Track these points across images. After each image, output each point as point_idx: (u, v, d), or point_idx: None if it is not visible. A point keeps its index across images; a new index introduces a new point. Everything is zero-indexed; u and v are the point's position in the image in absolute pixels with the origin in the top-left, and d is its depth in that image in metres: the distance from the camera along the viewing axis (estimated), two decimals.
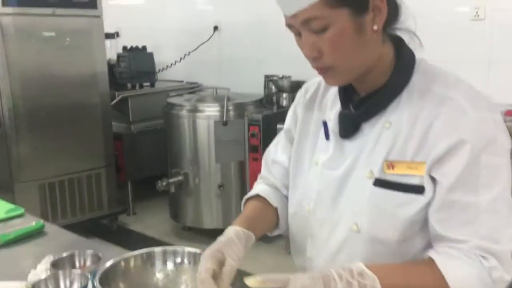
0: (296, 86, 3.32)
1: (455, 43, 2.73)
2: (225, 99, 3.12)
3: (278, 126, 2.99)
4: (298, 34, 0.88)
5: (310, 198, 1.01)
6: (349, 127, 0.96)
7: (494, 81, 2.67)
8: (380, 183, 0.89)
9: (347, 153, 0.96)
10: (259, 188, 1.14)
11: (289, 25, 0.88)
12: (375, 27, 0.86)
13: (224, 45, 3.97)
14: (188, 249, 1.10)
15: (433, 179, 0.86)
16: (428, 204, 0.86)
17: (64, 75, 3.18)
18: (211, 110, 3.19)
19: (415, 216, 0.87)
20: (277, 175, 1.13)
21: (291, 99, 3.32)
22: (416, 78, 0.91)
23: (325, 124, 1.02)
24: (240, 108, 3.19)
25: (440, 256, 0.83)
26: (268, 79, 3.44)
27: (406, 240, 0.89)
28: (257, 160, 3.14)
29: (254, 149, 3.13)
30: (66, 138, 3.23)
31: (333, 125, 0.99)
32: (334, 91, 1.03)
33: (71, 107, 3.24)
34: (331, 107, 1.02)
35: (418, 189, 0.87)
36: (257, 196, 1.11)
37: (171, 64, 4.11)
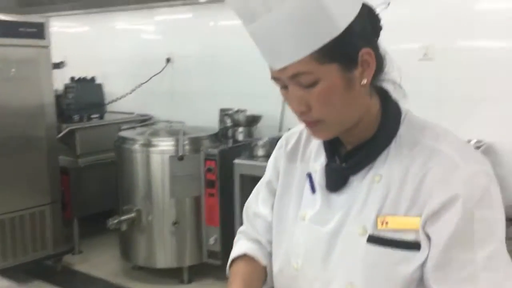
0: (252, 120, 3.31)
1: (405, 82, 2.82)
2: (181, 133, 3.05)
3: (236, 161, 2.96)
4: (284, 87, 0.86)
5: (298, 255, 0.96)
6: (337, 180, 0.93)
7: (444, 119, 2.77)
8: (374, 240, 0.86)
9: (336, 208, 0.92)
10: (244, 246, 1.08)
11: (275, 78, 0.85)
12: (364, 82, 0.85)
13: (177, 77, 3.91)
14: None
15: (428, 236, 0.84)
16: (425, 262, 0.84)
17: (9, 106, 3.01)
18: (166, 145, 3.10)
19: (413, 274, 0.85)
20: (260, 229, 1.08)
21: (247, 134, 3.30)
22: (403, 130, 0.90)
23: (310, 177, 0.98)
24: (196, 142, 3.13)
25: None
26: (223, 112, 3.41)
27: None
28: (214, 196, 3.07)
29: (210, 184, 3.06)
30: (9, 173, 3.03)
31: (319, 178, 0.96)
32: (317, 142, 1.01)
33: (14, 139, 3.06)
34: (315, 159, 1.00)
35: (414, 246, 0.85)
36: (244, 256, 1.06)
37: (122, 96, 3.99)
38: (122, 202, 3.24)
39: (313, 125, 0.87)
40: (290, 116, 3.52)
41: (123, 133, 3.33)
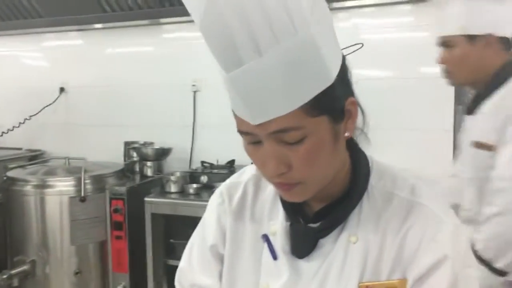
0: (161, 153, 3.09)
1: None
2: (82, 171, 2.74)
3: (146, 199, 2.72)
4: (255, 143, 0.71)
5: None
6: (305, 244, 0.80)
7: None
8: None
9: (308, 277, 0.80)
10: None
11: (246, 133, 0.71)
12: (347, 134, 0.75)
13: (72, 108, 3.56)
14: None
15: None
16: None
17: None
18: (64, 185, 2.76)
19: None
20: None
21: (156, 168, 3.08)
22: (374, 181, 0.81)
23: (267, 240, 0.84)
24: (99, 180, 2.83)
25: None
26: (129, 146, 3.15)
27: None
28: (121, 238, 2.78)
29: (117, 226, 2.77)
30: None
31: (280, 241, 0.83)
32: (269, 197, 0.88)
33: None
34: (270, 218, 0.86)
35: None
36: None
37: (8, 130, 3.53)
38: (12, 253, 2.81)
39: (290, 188, 0.73)
40: (201, 147, 3.36)
41: (12, 173, 2.92)
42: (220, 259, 0.90)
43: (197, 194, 2.73)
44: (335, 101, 0.70)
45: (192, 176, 2.90)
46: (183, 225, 2.95)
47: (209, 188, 2.79)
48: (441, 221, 0.75)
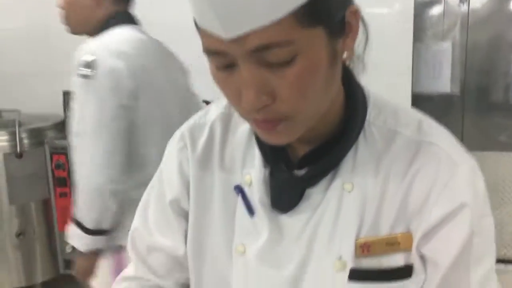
0: None
1: None
2: (16, 124, 2.48)
3: None
4: (227, 67, 0.55)
5: None
6: (289, 196, 0.66)
7: None
8: (357, 275, 0.63)
9: (292, 235, 0.66)
10: None
11: (216, 53, 0.54)
12: (345, 54, 0.60)
13: (1, 56, 3.21)
14: None
15: (423, 256, 0.64)
16: None
17: None
18: None
19: None
20: (161, 269, 0.77)
21: None
22: (372, 118, 0.66)
23: (241, 192, 0.69)
24: (38, 134, 2.58)
25: None
26: (69, 96, 2.88)
27: None
28: (66, 195, 2.58)
29: (61, 183, 2.57)
30: None
31: (258, 193, 0.67)
32: (241, 140, 0.71)
33: None
34: (244, 165, 0.70)
35: (405, 272, 0.64)
36: None
37: None
38: None
39: (274, 126, 0.57)
40: None
41: None
42: (183, 216, 0.75)
43: None
44: (334, 8, 0.54)
45: None
46: None
47: None
48: (455, 163, 0.63)
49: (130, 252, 0.79)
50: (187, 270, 0.74)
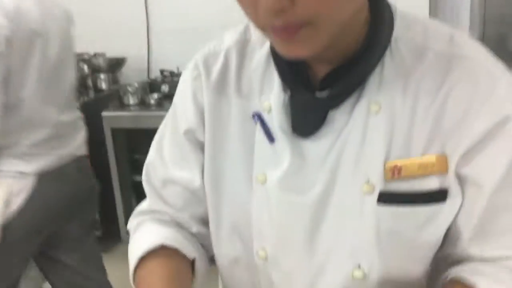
0: (115, 64, 2.83)
1: None
2: None
3: (104, 114, 2.51)
4: None
5: (264, 238, 0.66)
6: (312, 119, 0.62)
7: None
8: (386, 198, 0.60)
9: (316, 160, 0.62)
10: (155, 233, 0.71)
11: None
12: None
13: None
14: None
15: (462, 178, 0.60)
16: (456, 216, 0.61)
17: None
18: None
19: (440, 238, 0.61)
20: (178, 202, 0.74)
21: (111, 81, 2.82)
22: (399, 33, 0.61)
23: (260, 119, 0.65)
24: None
25: (486, 281, 0.57)
26: (78, 58, 2.85)
27: (433, 271, 0.63)
28: None
29: None
30: None
31: (278, 119, 0.64)
32: (258, 67, 0.67)
33: None
34: (261, 91, 0.66)
35: (439, 196, 0.60)
36: (159, 249, 0.68)
37: None
38: None
39: (294, 32, 0.51)
40: (159, 55, 3.09)
41: None
42: (199, 147, 0.71)
43: (159, 105, 2.52)
44: None
45: (152, 86, 2.68)
46: (147, 139, 2.76)
47: (171, 97, 2.58)
48: (495, 76, 0.58)
49: (145, 185, 0.77)
50: (204, 203, 0.72)
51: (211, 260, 0.77)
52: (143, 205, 0.78)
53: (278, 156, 0.64)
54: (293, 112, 0.63)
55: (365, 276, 0.61)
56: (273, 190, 0.64)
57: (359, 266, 0.61)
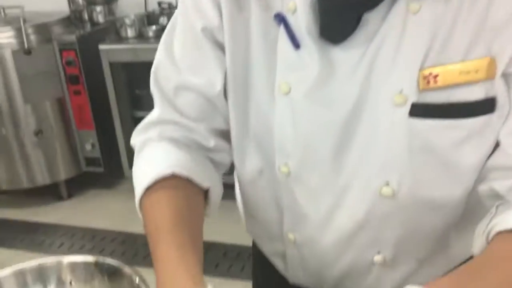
0: None
1: None
2: (21, 20, 2.37)
3: (101, 47, 2.43)
4: None
5: (288, 154, 0.62)
6: (345, 22, 0.54)
7: None
8: (420, 110, 0.54)
9: (346, 69, 0.56)
10: (164, 156, 0.64)
11: None
12: None
13: None
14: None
15: (510, 82, 0.54)
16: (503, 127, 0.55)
17: None
18: (3, 37, 2.41)
19: (484, 158, 0.56)
20: (193, 112, 0.66)
21: (107, 13, 2.72)
22: None
23: (284, 21, 0.58)
24: (44, 30, 2.48)
25: None
26: None
27: (473, 193, 0.58)
28: (80, 93, 2.55)
29: (73, 81, 2.51)
30: None
31: (305, 21, 0.56)
32: None
33: None
34: None
35: (486, 106, 0.53)
36: (169, 178, 0.61)
37: None
38: None
39: None
40: None
41: None
42: (219, 47, 0.63)
43: (158, 37, 2.42)
44: None
45: (150, 18, 2.59)
46: (147, 73, 2.70)
47: None
48: None
49: (154, 93, 0.69)
50: (222, 113, 0.67)
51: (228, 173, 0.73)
52: (153, 115, 0.69)
53: (304, 64, 0.57)
54: (322, 14, 0.55)
55: (394, 194, 0.58)
56: (298, 102, 0.58)
57: (388, 184, 0.58)
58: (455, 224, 0.63)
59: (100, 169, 2.71)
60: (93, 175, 2.77)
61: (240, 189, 0.74)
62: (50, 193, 2.73)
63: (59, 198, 2.75)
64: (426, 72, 0.53)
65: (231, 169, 0.75)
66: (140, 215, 0.62)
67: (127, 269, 0.66)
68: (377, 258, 0.64)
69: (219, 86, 0.64)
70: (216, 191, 0.66)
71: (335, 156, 0.59)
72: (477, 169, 0.57)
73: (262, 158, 0.65)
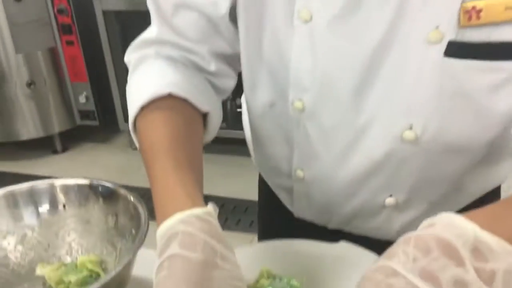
0: None
1: None
2: None
3: None
4: None
5: (303, 88, 0.57)
6: None
7: None
8: (457, 49, 0.48)
9: (375, 1, 0.50)
10: (160, 74, 0.59)
11: None
12: None
13: None
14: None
15: None
16: None
17: None
18: None
19: None
20: (193, 34, 0.61)
21: None
22: None
23: None
24: None
25: None
26: None
27: (504, 140, 0.55)
28: (73, 44, 2.48)
29: (66, 30, 2.44)
30: None
31: None
32: None
33: None
34: None
35: None
36: (166, 98, 0.55)
37: None
38: None
39: None
40: None
41: None
42: None
43: None
44: None
45: None
46: (142, 23, 2.62)
47: None
48: None
49: (150, 6, 0.63)
50: (224, 37, 0.62)
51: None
52: (150, 32, 0.63)
53: None
54: None
55: (416, 138, 0.53)
56: (320, 32, 0.53)
57: (411, 127, 0.53)
58: (472, 167, 0.59)
59: (95, 123, 2.67)
60: (88, 128, 2.73)
61: (250, 121, 0.70)
62: (44, 146, 2.70)
63: (54, 151, 2.72)
64: (469, 5, 0.46)
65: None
66: (134, 137, 0.58)
67: (122, 190, 0.63)
68: (389, 201, 0.62)
69: (224, 8, 0.58)
70: (216, 117, 0.61)
71: (356, 94, 0.54)
72: (510, 116, 0.52)
73: (274, 91, 0.61)
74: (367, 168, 0.59)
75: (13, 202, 0.65)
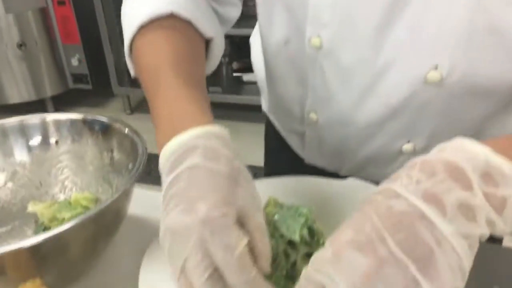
0: None
1: None
2: None
3: None
4: None
5: (322, 23, 0.53)
6: None
7: None
8: None
9: None
10: None
11: None
12: None
13: None
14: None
15: None
16: None
17: None
18: None
19: None
20: None
21: None
22: None
23: None
24: None
25: None
26: None
27: None
28: (64, 4, 2.40)
29: None
30: None
31: None
32: None
33: None
34: None
35: None
36: (167, 19, 0.51)
37: None
38: None
39: None
40: None
41: None
42: None
43: None
44: None
45: None
46: None
47: None
48: None
49: None
50: None
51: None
52: None
53: None
54: None
55: (441, 79, 0.49)
56: None
57: (436, 67, 0.49)
58: (494, 113, 0.56)
59: (88, 87, 2.61)
60: (81, 92, 2.68)
61: (265, 61, 0.66)
62: (37, 110, 2.63)
63: None
64: None
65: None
66: (128, 62, 0.55)
67: (117, 125, 0.60)
68: (406, 147, 0.58)
69: None
70: (219, 44, 0.58)
71: (378, 32, 0.50)
72: None
73: (290, 26, 0.57)
74: (385, 112, 0.55)
75: (2, 136, 0.61)
